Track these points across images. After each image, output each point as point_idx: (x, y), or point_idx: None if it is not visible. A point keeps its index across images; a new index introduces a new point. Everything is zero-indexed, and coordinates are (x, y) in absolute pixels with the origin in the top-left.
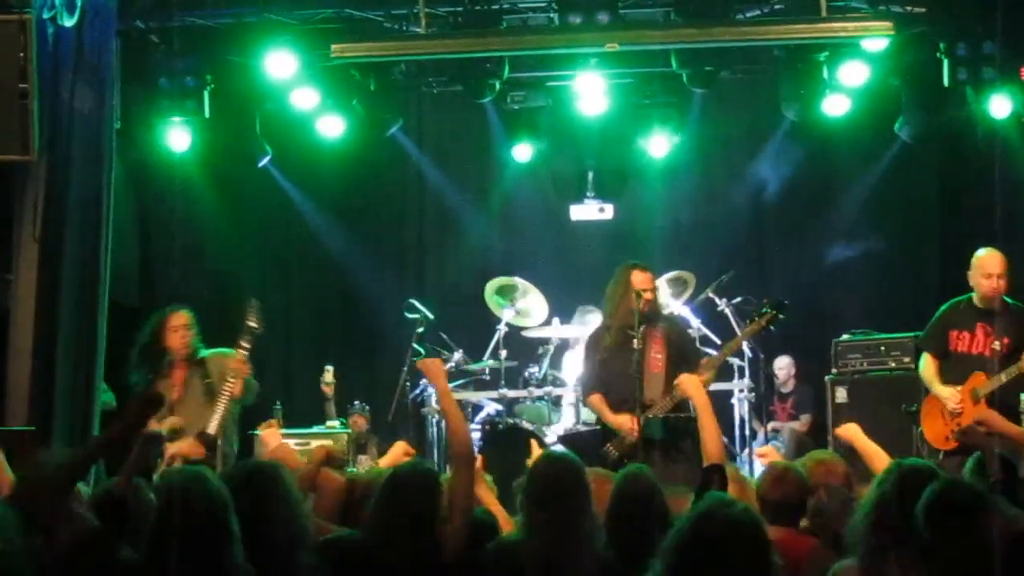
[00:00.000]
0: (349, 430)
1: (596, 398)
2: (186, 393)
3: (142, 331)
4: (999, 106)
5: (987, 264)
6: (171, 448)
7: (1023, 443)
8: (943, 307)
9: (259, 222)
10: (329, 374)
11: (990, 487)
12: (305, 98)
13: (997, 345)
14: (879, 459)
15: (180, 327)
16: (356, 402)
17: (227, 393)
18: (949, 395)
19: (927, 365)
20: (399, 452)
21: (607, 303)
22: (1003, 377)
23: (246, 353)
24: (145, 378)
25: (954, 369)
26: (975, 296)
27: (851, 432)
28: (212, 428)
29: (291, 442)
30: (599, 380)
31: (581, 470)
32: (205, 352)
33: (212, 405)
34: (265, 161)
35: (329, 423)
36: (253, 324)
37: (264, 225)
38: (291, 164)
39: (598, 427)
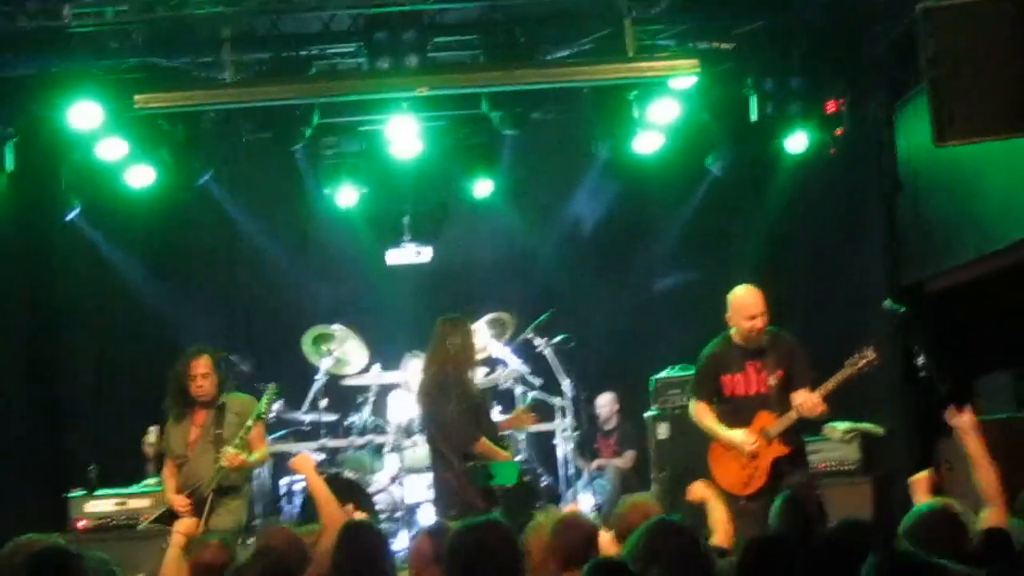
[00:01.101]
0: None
1: (485, 442)
2: (201, 438)
3: (170, 372)
4: (800, 141)
5: (749, 305)
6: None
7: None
8: (705, 351)
9: (68, 276)
10: (152, 435)
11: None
12: (112, 149)
13: (773, 380)
14: (719, 512)
15: (198, 376)
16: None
17: (225, 464)
18: (743, 438)
19: (703, 412)
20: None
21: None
22: (794, 415)
23: (245, 441)
24: (174, 417)
25: (735, 413)
26: (735, 334)
27: (703, 492)
28: (204, 488)
29: (110, 502)
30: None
31: (381, 541)
32: (228, 395)
33: (214, 457)
34: (73, 214)
35: (147, 481)
36: (262, 412)
37: (74, 279)
38: (100, 216)
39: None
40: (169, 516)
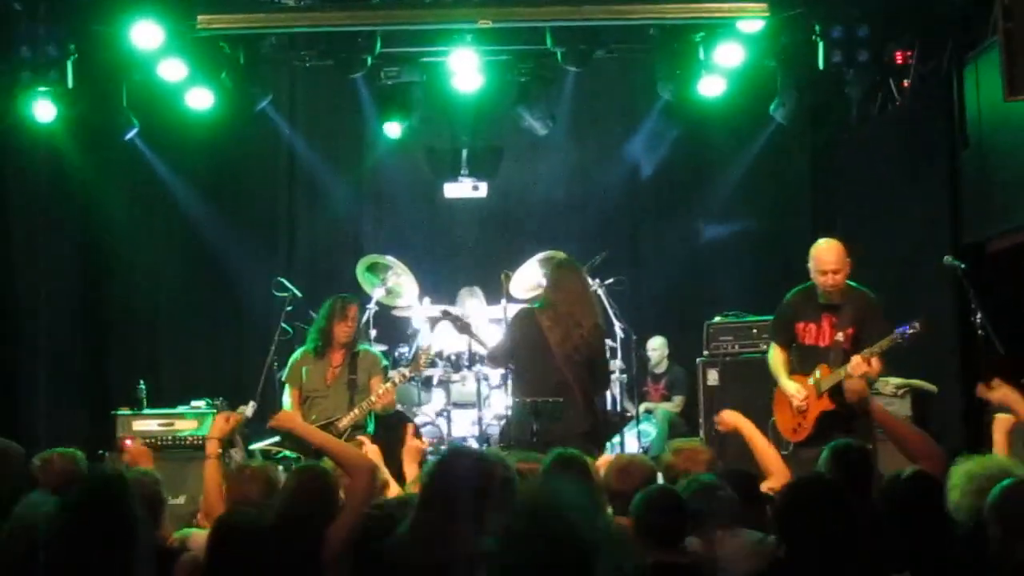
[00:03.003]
0: (215, 411)
1: None
2: (337, 378)
3: (319, 312)
4: (860, 92)
5: (822, 260)
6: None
7: (885, 424)
8: (787, 296)
9: (125, 196)
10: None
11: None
12: (172, 70)
13: (840, 337)
14: (762, 447)
15: (350, 319)
16: (220, 399)
17: (369, 405)
18: (795, 391)
19: (775, 356)
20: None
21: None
22: (841, 373)
23: (398, 384)
24: (314, 353)
25: (802, 360)
26: (817, 288)
27: (734, 419)
28: (343, 423)
29: (156, 422)
30: None
31: (478, 469)
32: (361, 346)
33: (348, 397)
34: (131, 134)
35: (194, 403)
36: (420, 366)
37: (130, 199)
38: (158, 138)
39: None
40: (296, 442)
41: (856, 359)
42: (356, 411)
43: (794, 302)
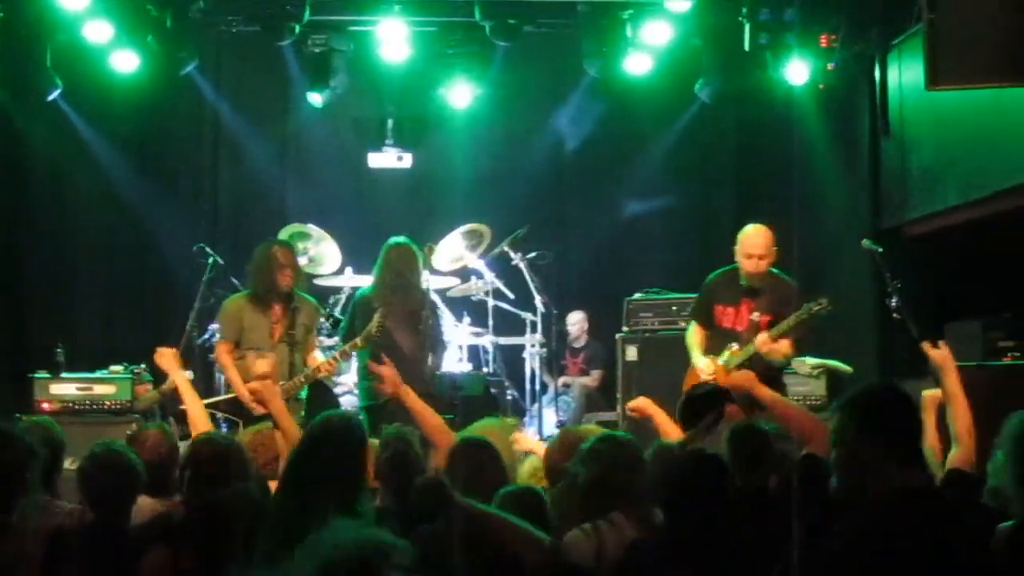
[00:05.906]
0: (131, 376)
1: None
2: (279, 336)
3: (254, 260)
4: (796, 72)
5: (749, 245)
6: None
7: (772, 408)
8: (709, 277)
9: (46, 157)
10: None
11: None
12: (98, 31)
13: (755, 316)
14: (670, 429)
15: (292, 264)
16: (140, 365)
17: (313, 374)
18: (704, 365)
19: (692, 334)
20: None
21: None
22: (751, 350)
23: (346, 358)
24: (253, 304)
25: (718, 342)
26: (741, 271)
27: (643, 405)
28: (291, 389)
29: (74, 386)
30: None
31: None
32: (297, 292)
33: (290, 356)
34: (55, 95)
35: (113, 368)
36: (372, 336)
37: (51, 161)
38: (82, 99)
39: None
40: (232, 406)
41: (762, 335)
42: (300, 379)
43: (715, 284)
